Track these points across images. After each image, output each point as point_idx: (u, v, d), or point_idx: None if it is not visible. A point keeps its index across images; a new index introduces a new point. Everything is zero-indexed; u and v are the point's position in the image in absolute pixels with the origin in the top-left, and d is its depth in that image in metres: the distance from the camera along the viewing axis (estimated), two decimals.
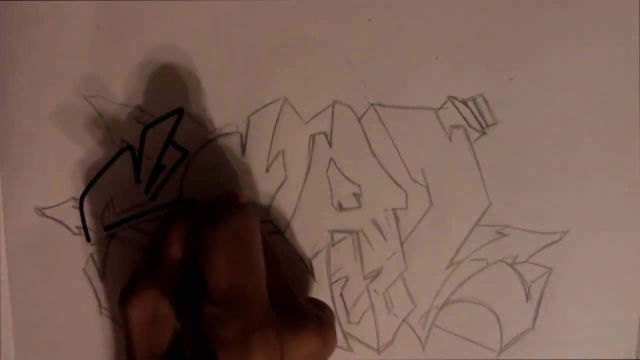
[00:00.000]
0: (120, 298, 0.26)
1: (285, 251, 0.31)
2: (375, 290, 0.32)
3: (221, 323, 0.23)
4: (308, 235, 0.31)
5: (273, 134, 0.31)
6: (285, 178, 0.31)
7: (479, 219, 0.31)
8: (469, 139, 0.31)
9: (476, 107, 0.31)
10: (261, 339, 0.23)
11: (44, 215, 0.31)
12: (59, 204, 0.31)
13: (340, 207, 0.31)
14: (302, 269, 0.32)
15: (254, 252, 0.25)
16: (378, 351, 0.32)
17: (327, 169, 0.31)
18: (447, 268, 0.32)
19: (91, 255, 0.32)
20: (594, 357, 0.32)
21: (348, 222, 0.31)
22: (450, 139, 0.31)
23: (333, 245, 0.32)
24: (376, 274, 0.32)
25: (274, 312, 0.24)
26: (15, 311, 0.32)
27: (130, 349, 0.25)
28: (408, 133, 0.31)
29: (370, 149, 0.31)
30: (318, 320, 0.25)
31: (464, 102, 0.31)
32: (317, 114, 0.31)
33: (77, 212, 0.31)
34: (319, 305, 0.28)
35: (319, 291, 0.32)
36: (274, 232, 0.31)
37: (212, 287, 0.24)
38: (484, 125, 0.31)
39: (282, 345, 0.23)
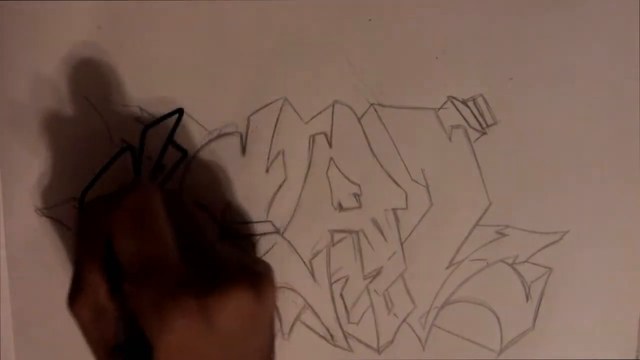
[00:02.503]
0: (67, 302, 0.26)
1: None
2: (375, 290, 0.32)
3: (136, 297, 0.23)
4: (308, 235, 0.31)
5: (273, 134, 0.31)
6: (285, 178, 0.31)
7: (479, 219, 0.31)
8: (469, 139, 0.31)
9: (476, 107, 0.31)
10: (175, 304, 0.23)
11: (44, 215, 0.31)
12: (59, 204, 0.31)
13: (340, 207, 0.31)
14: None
15: (154, 220, 0.25)
16: (378, 351, 0.32)
17: (327, 169, 0.31)
18: (447, 268, 0.32)
19: None
20: (594, 357, 0.32)
21: (348, 222, 0.31)
22: (450, 139, 0.31)
23: (333, 245, 0.32)
24: (376, 274, 0.32)
25: (191, 275, 0.24)
26: (15, 311, 0.32)
27: (89, 344, 0.26)
28: (408, 133, 0.31)
29: (370, 149, 0.31)
30: (249, 274, 0.25)
31: (464, 102, 0.31)
32: (317, 114, 0.31)
33: (77, 212, 0.31)
34: (254, 260, 0.28)
35: (319, 291, 0.32)
36: (274, 232, 0.31)
37: (124, 264, 0.24)
38: (484, 125, 0.31)
39: (204, 305, 0.23)
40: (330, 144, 0.31)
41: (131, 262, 0.24)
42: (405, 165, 0.31)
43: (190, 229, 0.27)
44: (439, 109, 0.31)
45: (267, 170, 0.31)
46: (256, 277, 0.25)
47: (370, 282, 0.32)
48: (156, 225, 0.25)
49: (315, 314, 0.32)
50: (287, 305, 0.32)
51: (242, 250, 0.31)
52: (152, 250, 0.24)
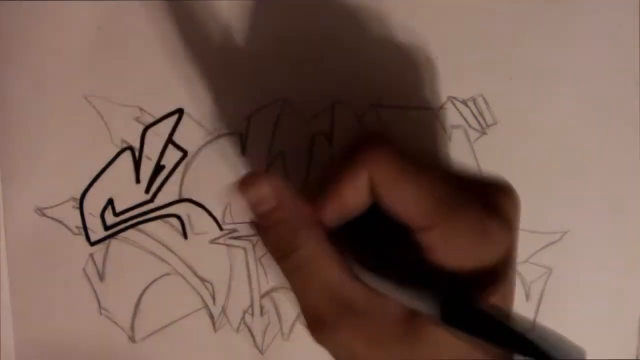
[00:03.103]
0: (316, 339, 0.23)
1: None
2: None
3: (451, 236, 0.21)
4: None
5: (273, 134, 0.31)
6: (285, 178, 0.31)
7: None
8: (469, 139, 0.31)
9: (476, 107, 0.31)
10: (501, 228, 0.21)
11: (44, 215, 0.31)
12: (59, 204, 0.31)
13: None
14: None
15: (416, 157, 0.22)
16: None
17: None
18: None
19: (91, 255, 0.32)
20: (594, 357, 0.32)
21: None
22: (450, 139, 0.31)
23: None
24: None
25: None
26: (15, 311, 0.32)
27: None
28: (408, 133, 0.31)
29: None
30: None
31: (464, 102, 0.31)
32: (317, 114, 0.31)
33: (77, 212, 0.31)
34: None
35: None
36: None
37: (414, 216, 0.21)
38: (484, 125, 0.31)
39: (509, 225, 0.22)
40: (330, 144, 0.31)
41: (421, 208, 0.21)
42: None
43: None
44: (439, 109, 0.31)
45: (267, 170, 0.31)
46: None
47: None
48: (417, 156, 0.23)
49: None
50: (287, 305, 0.32)
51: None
52: (434, 182, 0.22)
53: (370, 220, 0.23)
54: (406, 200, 0.22)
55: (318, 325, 0.22)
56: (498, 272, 0.21)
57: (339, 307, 0.22)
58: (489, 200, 0.22)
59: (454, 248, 0.21)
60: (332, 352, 0.23)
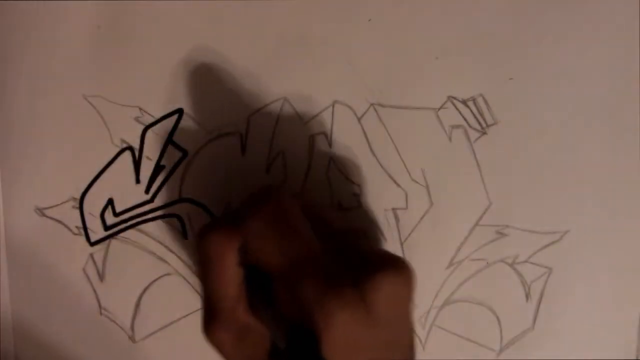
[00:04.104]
0: (203, 331, 0.26)
1: None
2: None
3: (291, 299, 0.23)
4: None
5: (273, 134, 0.31)
6: (285, 178, 0.31)
7: (479, 219, 0.31)
8: (469, 139, 0.31)
9: (476, 107, 0.31)
10: (337, 296, 0.22)
11: (44, 215, 0.31)
12: (59, 204, 0.31)
13: (340, 207, 0.31)
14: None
15: (297, 220, 0.25)
16: None
17: (327, 169, 0.31)
18: (447, 268, 0.32)
19: (91, 255, 0.32)
20: (594, 357, 0.32)
21: (348, 222, 0.31)
22: (450, 139, 0.31)
23: None
24: None
25: (341, 267, 0.24)
26: (15, 311, 0.32)
27: None
28: (408, 133, 0.31)
29: (370, 149, 0.31)
30: (395, 259, 0.25)
31: (464, 102, 0.31)
32: (317, 114, 0.31)
33: (77, 212, 0.31)
34: (387, 251, 0.28)
35: None
36: None
37: (273, 271, 0.24)
38: (484, 125, 0.31)
39: (362, 293, 0.23)
40: (330, 144, 0.31)
41: (281, 264, 0.24)
42: (405, 165, 0.31)
43: (321, 227, 0.26)
44: (439, 109, 0.31)
45: (267, 170, 0.31)
46: (401, 261, 0.25)
47: None
48: (299, 225, 0.25)
49: None
50: None
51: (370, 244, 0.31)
52: (300, 247, 0.24)
53: None
54: (261, 250, 0.24)
55: (210, 319, 0.25)
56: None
57: (227, 316, 0.25)
58: (362, 278, 0.23)
59: (290, 304, 0.23)
60: (212, 347, 0.26)
